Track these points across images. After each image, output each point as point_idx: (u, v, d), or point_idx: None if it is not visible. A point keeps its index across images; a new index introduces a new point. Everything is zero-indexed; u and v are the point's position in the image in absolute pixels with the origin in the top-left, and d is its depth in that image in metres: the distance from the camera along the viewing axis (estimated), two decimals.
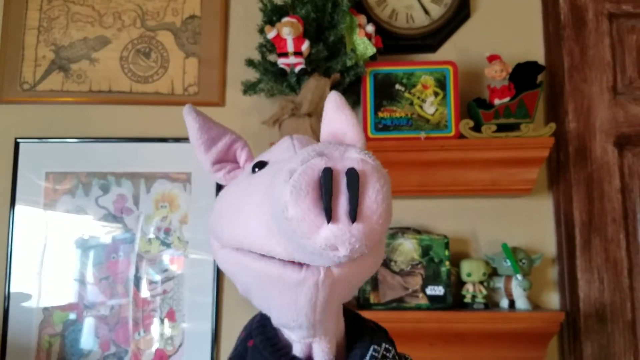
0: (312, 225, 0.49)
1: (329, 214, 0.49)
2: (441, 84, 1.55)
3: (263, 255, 0.56)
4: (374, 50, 1.54)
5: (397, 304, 1.46)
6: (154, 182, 1.66)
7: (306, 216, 0.49)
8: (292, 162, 0.52)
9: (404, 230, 1.54)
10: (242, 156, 0.70)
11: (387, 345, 0.68)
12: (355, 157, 0.52)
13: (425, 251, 1.49)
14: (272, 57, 1.53)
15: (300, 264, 0.54)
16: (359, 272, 0.58)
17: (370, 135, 1.53)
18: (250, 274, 0.58)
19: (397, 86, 1.55)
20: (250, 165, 0.67)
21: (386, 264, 1.48)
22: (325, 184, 0.49)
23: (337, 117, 0.67)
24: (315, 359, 0.61)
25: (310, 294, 0.54)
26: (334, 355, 0.62)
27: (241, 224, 0.58)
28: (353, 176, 0.50)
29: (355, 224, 0.49)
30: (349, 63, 1.50)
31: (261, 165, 0.63)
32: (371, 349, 0.64)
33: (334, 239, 0.49)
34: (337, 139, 0.67)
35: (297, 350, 0.61)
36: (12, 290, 1.61)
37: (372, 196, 0.51)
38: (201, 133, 0.67)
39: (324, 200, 0.49)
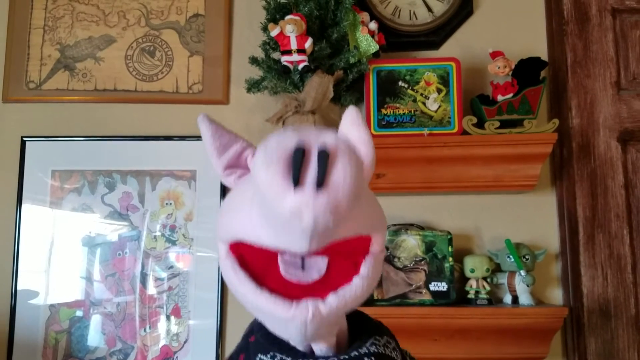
0: (279, 190, 0.51)
1: (296, 181, 0.51)
2: (444, 80, 1.55)
3: (257, 288, 0.58)
4: (377, 47, 1.55)
5: (401, 300, 1.46)
6: (159, 180, 1.67)
7: (274, 181, 0.51)
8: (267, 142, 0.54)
9: (407, 227, 1.55)
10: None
11: (388, 338, 0.69)
12: (329, 139, 0.54)
13: (429, 247, 1.49)
14: (275, 55, 1.54)
15: (290, 300, 0.56)
16: (349, 304, 0.58)
17: (373, 132, 1.53)
18: (246, 301, 0.60)
19: (400, 83, 1.56)
20: None
21: (390, 260, 1.48)
22: (295, 156, 0.51)
23: (351, 131, 0.68)
24: (316, 352, 0.63)
25: (299, 329, 0.56)
26: (333, 351, 0.63)
27: (234, 216, 0.61)
28: (323, 154, 0.52)
29: (320, 192, 0.50)
30: (352, 60, 1.50)
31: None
32: (372, 338, 0.66)
33: (298, 205, 0.50)
34: None
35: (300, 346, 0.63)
36: (19, 287, 1.63)
37: (340, 171, 0.52)
38: (214, 139, 0.69)
39: (293, 169, 0.51)
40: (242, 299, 0.61)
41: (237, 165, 0.71)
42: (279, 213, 0.52)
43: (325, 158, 0.52)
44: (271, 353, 0.64)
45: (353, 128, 0.69)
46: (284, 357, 0.63)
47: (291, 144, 0.53)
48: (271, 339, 0.64)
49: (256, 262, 0.59)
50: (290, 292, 0.57)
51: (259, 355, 0.64)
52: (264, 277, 0.59)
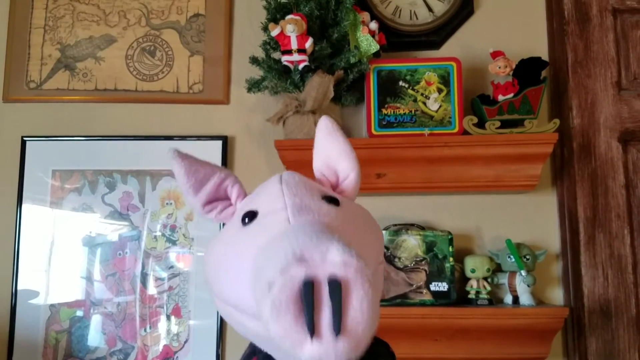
0: (295, 342, 0.48)
1: (312, 330, 0.47)
2: (445, 80, 1.55)
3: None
4: (378, 47, 1.54)
5: (401, 300, 1.46)
6: (160, 180, 1.67)
7: (288, 333, 0.48)
8: (269, 268, 0.50)
9: (408, 227, 1.55)
10: (233, 193, 0.69)
11: None
12: (337, 261, 0.49)
13: (429, 247, 1.49)
14: (276, 55, 1.54)
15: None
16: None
17: (374, 132, 1.53)
18: (247, 331, 0.59)
19: (401, 83, 1.55)
20: (241, 204, 0.67)
21: (390, 260, 1.48)
22: (306, 298, 0.48)
23: (330, 144, 0.67)
24: None
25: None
26: None
27: (231, 285, 0.59)
28: (335, 287, 0.48)
29: (339, 338, 0.47)
30: (352, 60, 1.50)
31: (251, 216, 0.62)
32: None
33: (318, 357, 0.48)
34: (331, 169, 0.68)
35: None
36: (19, 287, 1.63)
37: (357, 305, 0.48)
38: (188, 177, 0.67)
39: (306, 315, 0.47)
40: (240, 328, 0.59)
41: (217, 198, 0.69)
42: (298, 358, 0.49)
43: (338, 292, 0.48)
44: None
45: (330, 140, 0.67)
46: None
47: (297, 280, 0.48)
48: None
49: None
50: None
51: None
52: None
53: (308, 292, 0.48)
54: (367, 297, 0.49)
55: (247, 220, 0.62)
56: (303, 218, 0.58)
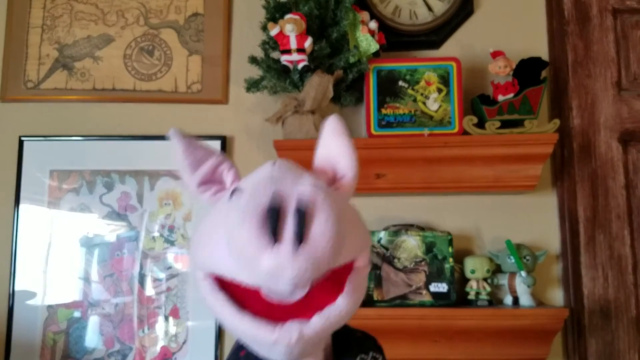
0: (256, 248, 0.49)
1: (274, 237, 0.48)
2: (445, 80, 1.54)
3: (238, 311, 0.56)
4: (377, 46, 1.54)
5: (401, 301, 1.46)
6: (158, 180, 1.66)
7: (251, 238, 0.49)
8: (245, 186, 0.52)
9: (407, 227, 1.54)
10: (228, 178, 0.70)
11: (374, 354, 0.68)
12: (307, 185, 0.52)
13: (429, 248, 1.48)
14: (275, 54, 1.53)
15: (275, 322, 0.54)
16: (333, 324, 0.57)
17: (373, 132, 1.53)
18: (227, 324, 0.58)
19: (401, 83, 1.55)
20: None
21: (390, 261, 1.48)
22: (271, 208, 0.49)
23: (333, 142, 0.67)
24: None
25: (284, 352, 0.55)
26: None
27: (212, 250, 0.59)
28: (302, 204, 0.49)
29: (299, 251, 0.48)
30: (352, 60, 1.50)
31: (237, 192, 0.62)
32: (358, 358, 0.65)
33: (276, 264, 0.48)
34: (330, 165, 0.69)
35: None
36: (16, 288, 1.62)
37: (320, 225, 0.50)
38: (187, 155, 0.67)
39: (268, 224, 0.49)
40: (222, 322, 0.59)
41: (212, 180, 0.69)
42: (257, 272, 0.50)
43: (303, 213, 0.49)
44: None
45: (334, 139, 0.67)
46: None
47: (266, 198, 0.50)
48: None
49: (237, 284, 0.57)
50: (273, 313, 0.56)
51: None
52: (246, 298, 0.57)
53: (274, 201, 0.49)
54: (331, 224, 0.50)
55: (233, 195, 0.62)
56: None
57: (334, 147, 0.67)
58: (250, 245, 0.49)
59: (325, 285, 0.58)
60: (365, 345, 0.68)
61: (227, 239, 0.52)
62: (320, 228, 0.50)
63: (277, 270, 0.49)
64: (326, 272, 0.54)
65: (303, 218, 0.49)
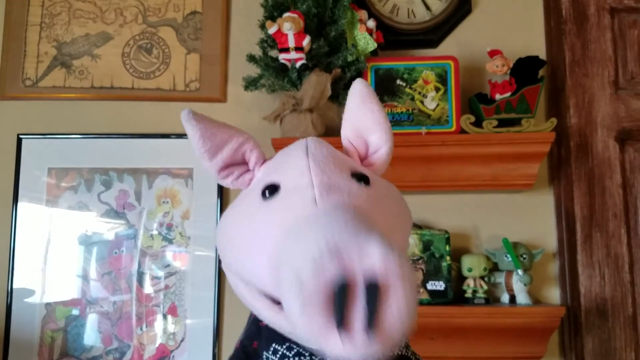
0: (321, 337, 0.43)
1: (341, 325, 0.42)
2: (442, 79, 1.55)
3: (273, 304, 0.52)
4: (375, 45, 1.54)
5: None
6: (156, 178, 1.66)
7: (318, 332, 0.43)
8: (298, 257, 0.44)
9: None
10: (252, 158, 0.65)
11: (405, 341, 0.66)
12: (376, 260, 0.43)
13: (426, 246, 1.49)
14: (273, 53, 1.53)
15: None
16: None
17: None
18: (252, 307, 0.56)
19: (398, 81, 1.55)
20: (260, 173, 0.62)
21: None
22: (340, 298, 0.42)
23: (363, 111, 0.61)
24: None
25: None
26: None
27: (251, 263, 0.54)
28: (373, 290, 0.42)
29: (372, 339, 0.42)
30: (350, 58, 1.50)
31: (272, 189, 0.57)
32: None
33: (345, 354, 0.43)
34: (361, 138, 0.63)
35: None
36: (15, 285, 1.62)
37: (395, 309, 0.43)
38: (203, 141, 0.62)
39: (337, 314, 0.42)
40: (252, 308, 0.56)
41: (234, 163, 0.64)
42: (324, 352, 0.44)
43: (375, 295, 0.42)
44: (287, 344, 0.58)
45: (364, 107, 0.61)
46: (301, 350, 0.57)
47: (331, 275, 0.42)
48: None
49: None
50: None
51: (274, 345, 0.59)
52: None
53: (342, 292, 0.42)
54: (406, 303, 0.43)
55: (267, 194, 0.57)
56: (332, 199, 0.53)
57: (364, 116, 0.61)
58: (315, 333, 0.43)
59: None
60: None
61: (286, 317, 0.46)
62: (396, 307, 0.43)
63: (347, 356, 0.43)
64: None
65: (375, 296, 0.42)
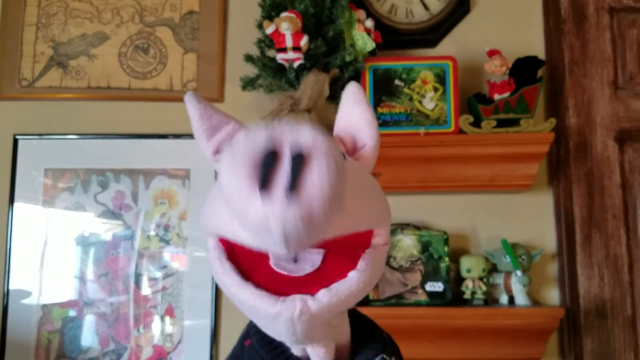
0: (243, 195, 0.45)
1: (264, 186, 0.44)
2: (441, 79, 1.54)
3: (241, 280, 0.52)
4: (373, 45, 1.53)
5: (397, 300, 1.46)
6: (153, 179, 1.66)
7: (238, 185, 0.45)
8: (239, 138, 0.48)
9: (403, 227, 1.54)
10: None
11: (396, 358, 0.65)
12: (305, 136, 0.47)
13: (425, 247, 1.48)
14: (270, 53, 1.53)
15: (278, 294, 0.50)
16: (342, 300, 0.52)
17: None
18: (230, 294, 0.55)
19: (397, 81, 1.55)
20: None
21: (385, 260, 1.47)
22: (265, 154, 0.45)
23: (352, 110, 0.64)
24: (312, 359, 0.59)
25: (287, 326, 0.51)
26: (332, 358, 0.59)
27: (215, 212, 0.56)
28: (298, 153, 0.45)
29: (291, 201, 0.44)
30: (348, 58, 1.49)
31: None
32: (379, 357, 0.62)
33: (264, 214, 0.44)
34: (349, 134, 0.65)
35: (295, 349, 0.60)
36: (11, 287, 1.61)
37: (316, 176, 0.45)
38: (202, 121, 0.64)
39: (261, 171, 0.45)
40: (226, 292, 0.56)
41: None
42: (246, 221, 0.46)
43: (299, 161, 0.45)
44: None
45: (354, 107, 0.64)
46: None
47: (260, 143, 0.46)
48: (267, 343, 0.61)
49: (246, 253, 0.53)
50: (279, 286, 0.52)
51: None
52: (253, 269, 0.53)
53: (267, 154, 0.45)
54: (329, 175, 0.45)
55: None
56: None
57: (353, 115, 0.64)
58: (239, 193, 0.45)
59: (339, 261, 0.54)
60: (390, 348, 0.64)
61: (219, 186, 0.49)
62: (317, 176, 0.45)
63: (266, 220, 0.44)
64: (332, 236, 0.50)
65: (299, 164, 0.45)
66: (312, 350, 0.58)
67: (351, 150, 0.66)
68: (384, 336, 0.67)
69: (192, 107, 0.64)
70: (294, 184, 0.44)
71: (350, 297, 0.52)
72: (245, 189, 0.45)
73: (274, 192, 0.44)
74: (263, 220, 0.45)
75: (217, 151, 0.65)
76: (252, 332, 0.63)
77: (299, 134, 0.47)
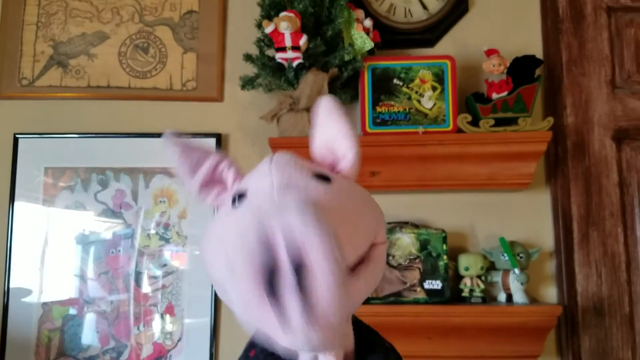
0: (260, 310, 0.46)
1: (274, 296, 0.45)
2: (439, 78, 1.55)
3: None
4: (372, 44, 1.54)
5: (395, 298, 1.46)
6: (153, 177, 1.66)
7: (249, 298, 0.46)
8: (246, 187, 0.49)
9: (401, 225, 1.54)
10: (229, 177, 0.67)
11: None
12: (294, 217, 0.47)
13: (423, 245, 1.49)
14: (270, 52, 1.53)
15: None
16: (354, 302, 0.56)
17: (368, 129, 1.53)
18: (238, 312, 0.56)
19: (395, 81, 1.55)
20: (235, 187, 0.65)
21: None
22: (264, 267, 0.45)
23: (329, 124, 0.64)
24: None
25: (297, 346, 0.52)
26: None
27: (217, 269, 0.57)
28: (297, 258, 0.45)
29: (310, 327, 0.45)
30: (346, 57, 1.50)
31: (240, 197, 0.60)
32: None
33: (291, 343, 0.47)
34: (329, 148, 0.66)
35: (304, 357, 0.59)
36: (12, 285, 1.62)
37: (323, 288, 0.45)
38: (184, 158, 0.65)
39: (265, 284, 0.45)
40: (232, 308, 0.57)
41: (212, 181, 0.67)
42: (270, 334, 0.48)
43: (301, 273, 0.45)
44: None
45: (330, 121, 0.64)
46: None
47: (254, 250, 0.45)
48: (271, 353, 0.60)
49: None
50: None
51: None
52: None
53: (267, 264, 0.45)
54: (333, 274, 0.45)
55: (236, 202, 0.60)
56: (289, 195, 0.55)
57: (330, 128, 0.64)
58: (252, 305, 0.46)
59: None
60: (391, 357, 0.66)
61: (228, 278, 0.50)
62: (325, 287, 0.45)
63: (292, 345, 0.47)
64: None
65: (302, 277, 0.45)
66: (323, 358, 0.58)
67: (332, 164, 0.67)
68: (386, 346, 0.68)
69: (172, 146, 0.66)
70: (307, 303, 0.45)
71: (356, 304, 0.56)
72: (262, 317, 0.46)
73: (290, 319, 0.45)
74: (288, 344, 0.46)
75: (202, 186, 0.66)
76: (257, 341, 0.63)
77: (289, 222, 0.47)
